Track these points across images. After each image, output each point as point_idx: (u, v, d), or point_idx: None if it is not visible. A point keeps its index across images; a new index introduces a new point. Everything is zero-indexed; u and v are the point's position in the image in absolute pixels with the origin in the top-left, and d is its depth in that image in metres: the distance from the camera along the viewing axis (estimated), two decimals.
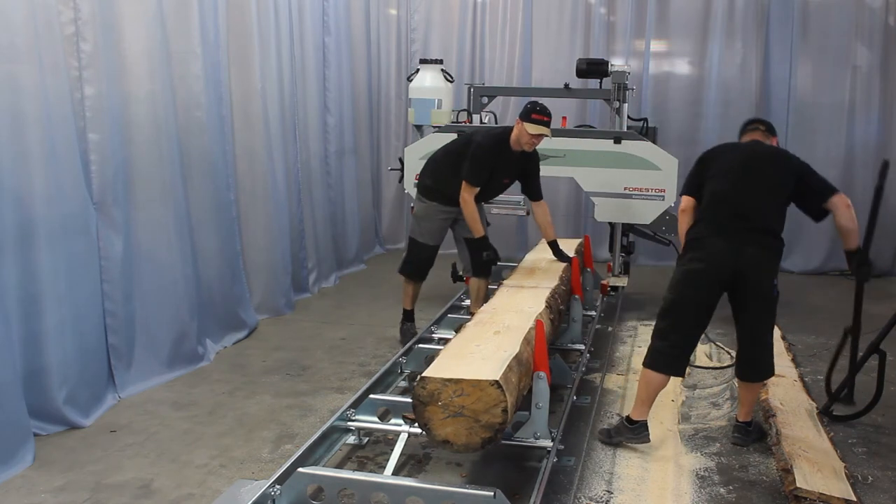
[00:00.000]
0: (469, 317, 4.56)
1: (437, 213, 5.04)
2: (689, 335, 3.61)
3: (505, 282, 4.65)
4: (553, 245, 5.03)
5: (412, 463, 3.49)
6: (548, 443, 3.24)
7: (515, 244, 8.24)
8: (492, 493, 2.67)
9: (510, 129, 4.78)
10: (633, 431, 3.62)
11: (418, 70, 6.58)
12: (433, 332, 4.81)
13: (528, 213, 5.63)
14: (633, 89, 6.25)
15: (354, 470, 3.39)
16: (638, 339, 5.46)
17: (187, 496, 3.18)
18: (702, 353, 5.12)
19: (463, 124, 6.16)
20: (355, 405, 3.57)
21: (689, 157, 4.67)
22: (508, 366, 2.96)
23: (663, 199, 5.76)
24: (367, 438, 3.64)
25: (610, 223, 6.28)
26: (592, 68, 6.26)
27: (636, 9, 8.10)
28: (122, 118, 4.26)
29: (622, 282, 6.19)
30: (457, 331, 3.71)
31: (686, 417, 4.09)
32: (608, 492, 3.26)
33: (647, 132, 6.22)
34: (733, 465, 3.52)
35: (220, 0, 5.14)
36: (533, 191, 5.06)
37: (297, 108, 6.40)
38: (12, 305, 3.52)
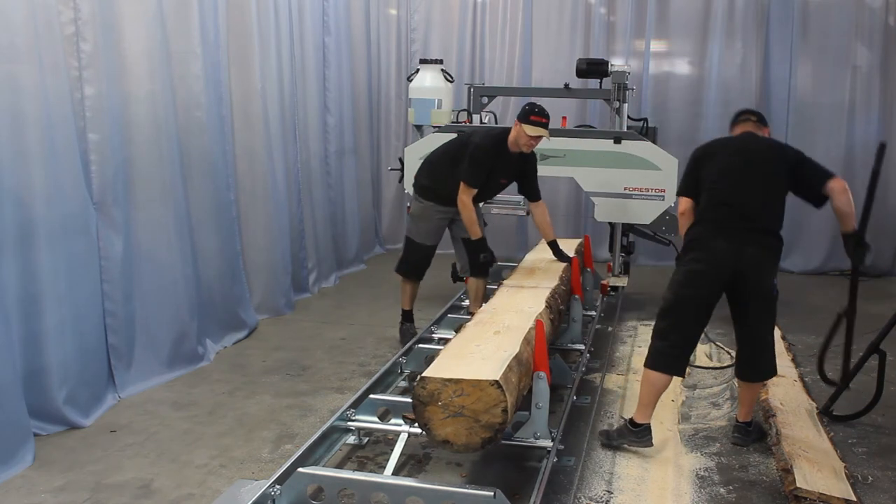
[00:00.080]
0: (469, 317, 4.56)
1: (434, 213, 5.04)
2: (689, 335, 3.60)
3: (505, 282, 4.65)
4: (553, 245, 5.02)
5: (412, 463, 3.49)
6: (548, 443, 3.24)
7: (515, 244, 8.24)
8: (492, 493, 2.67)
9: (508, 129, 4.77)
10: (636, 435, 3.58)
11: (418, 70, 6.58)
12: (433, 332, 4.81)
13: (527, 213, 5.63)
14: (633, 89, 6.24)
15: (354, 470, 3.39)
16: (638, 339, 5.46)
17: (187, 496, 3.18)
18: (702, 353, 5.12)
19: (463, 124, 6.16)
20: (355, 405, 3.57)
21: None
22: (508, 366, 2.96)
23: (663, 199, 5.76)
24: (367, 438, 3.64)
25: (610, 223, 6.28)
26: (592, 68, 6.25)
27: (636, 9, 8.10)
28: (122, 118, 4.26)
29: (622, 282, 6.19)
30: (457, 331, 3.71)
31: (686, 417, 4.09)
32: (608, 492, 3.26)
33: (647, 132, 6.22)
34: (733, 465, 3.52)
35: (220, 0, 5.15)
36: (531, 192, 5.05)
37: (297, 108, 6.40)
38: (12, 305, 3.52)
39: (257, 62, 5.63)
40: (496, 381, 2.78)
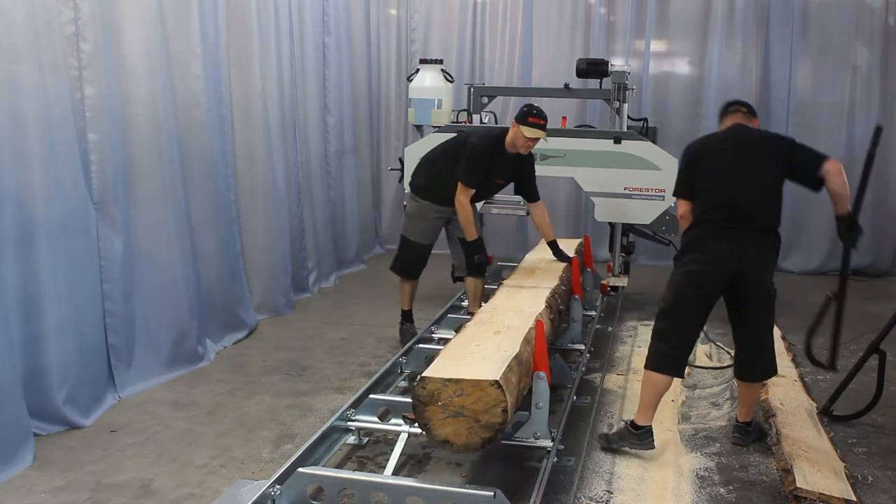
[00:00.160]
0: (469, 317, 4.56)
1: (430, 213, 5.04)
2: (689, 335, 3.60)
3: (505, 282, 4.65)
4: (553, 245, 5.02)
5: (412, 463, 3.49)
6: (548, 443, 3.24)
7: (515, 244, 8.25)
8: (492, 493, 2.67)
9: (506, 130, 4.76)
10: (637, 437, 3.56)
11: (418, 70, 6.58)
12: (433, 332, 4.81)
13: (527, 214, 5.63)
14: (633, 89, 6.24)
15: (354, 470, 3.39)
16: (638, 339, 5.46)
17: (187, 496, 3.18)
18: (702, 353, 5.12)
19: (463, 124, 6.16)
20: (355, 405, 3.57)
21: None
22: (508, 366, 2.96)
23: (663, 199, 5.76)
24: (367, 438, 3.64)
25: (610, 223, 6.28)
26: (592, 68, 6.25)
27: (636, 9, 8.10)
28: (122, 118, 4.26)
29: (622, 282, 6.19)
30: (457, 331, 3.71)
31: (686, 417, 4.09)
32: (608, 492, 3.26)
33: (647, 132, 6.22)
34: (733, 465, 3.52)
35: (220, 0, 5.15)
36: (529, 193, 5.05)
37: (297, 108, 6.40)
38: (12, 305, 3.52)
39: (257, 62, 5.63)
40: (496, 381, 2.78)
